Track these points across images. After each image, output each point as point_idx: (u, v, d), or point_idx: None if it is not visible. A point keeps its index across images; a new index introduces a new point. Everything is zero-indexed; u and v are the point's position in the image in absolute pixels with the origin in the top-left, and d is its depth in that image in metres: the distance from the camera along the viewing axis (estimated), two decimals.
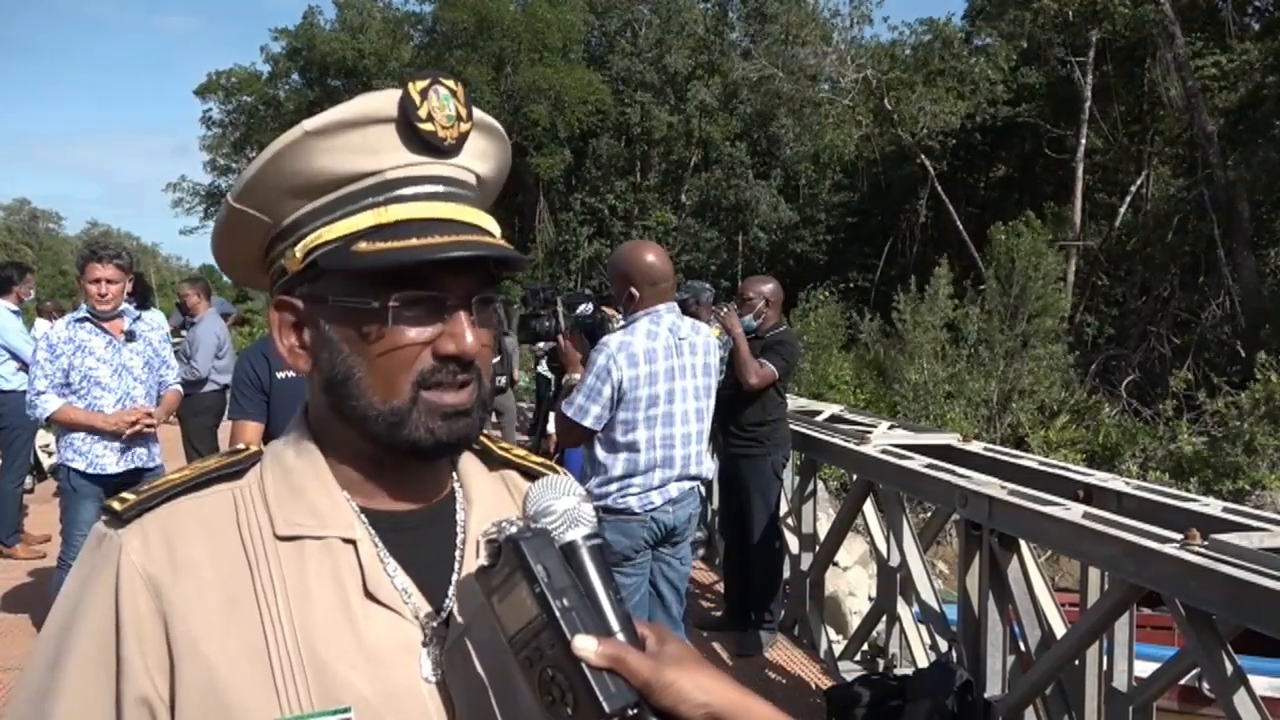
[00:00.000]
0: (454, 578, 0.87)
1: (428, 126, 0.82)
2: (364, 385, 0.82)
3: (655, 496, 3.19)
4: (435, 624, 0.84)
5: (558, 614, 0.71)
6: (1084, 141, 20.78)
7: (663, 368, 3.15)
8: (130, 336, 4.28)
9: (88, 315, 4.20)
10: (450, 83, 0.84)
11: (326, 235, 0.82)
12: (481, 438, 0.98)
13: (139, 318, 4.42)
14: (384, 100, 0.82)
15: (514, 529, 0.75)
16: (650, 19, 28.21)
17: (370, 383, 0.82)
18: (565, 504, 0.78)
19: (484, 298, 0.84)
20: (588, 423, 3.13)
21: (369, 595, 0.82)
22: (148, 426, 4.24)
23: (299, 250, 0.83)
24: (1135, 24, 20.03)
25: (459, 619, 0.85)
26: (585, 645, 0.71)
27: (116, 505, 0.82)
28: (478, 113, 0.87)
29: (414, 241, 0.79)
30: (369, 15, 30.80)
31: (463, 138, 0.85)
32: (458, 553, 0.89)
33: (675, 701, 0.71)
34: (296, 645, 0.78)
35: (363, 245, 0.80)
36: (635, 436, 3.14)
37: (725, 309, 4.78)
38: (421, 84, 0.82)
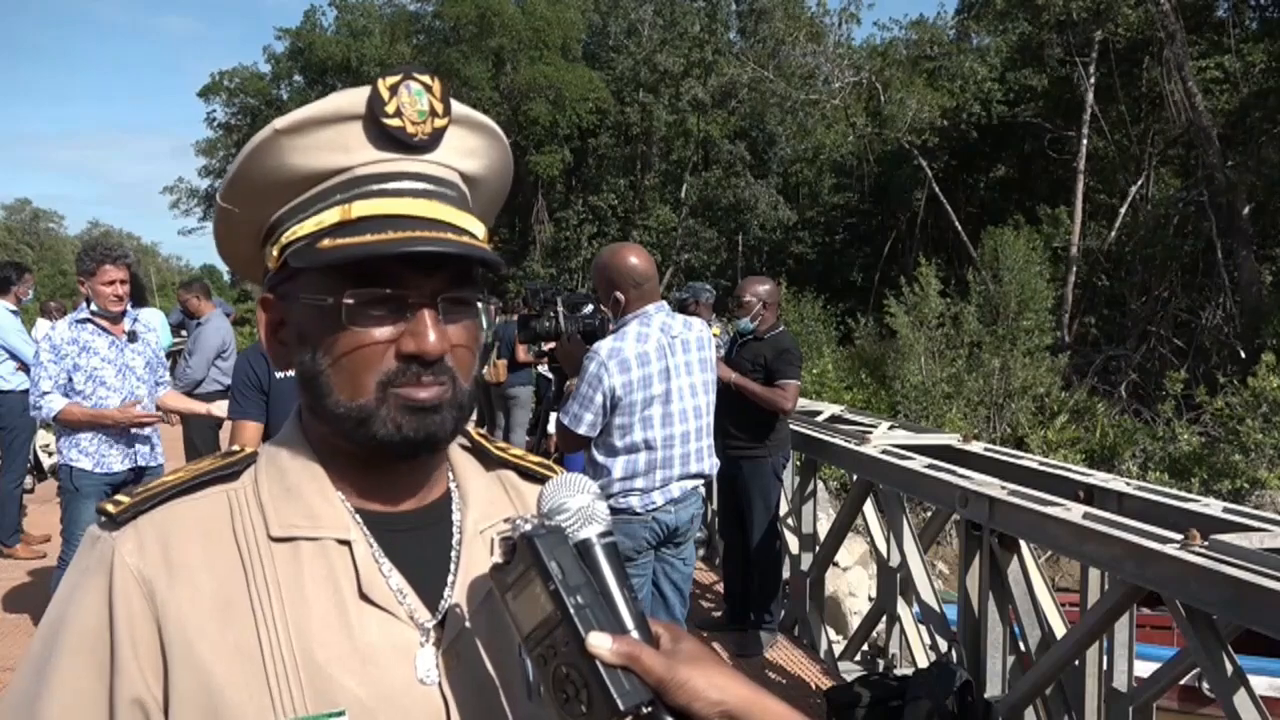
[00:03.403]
0: (450, 578, 0.86)
1: (395, 122, 0.81)
2: (330, 384, 0.81)
3: (657, 496, 3.18)
4: (431, 625, 0.83)
5: (572, 611, 0.71)
6: (1085, 142, 20.77)
7: (656, 370, 3.14)
8: (132, 337, 4.29)
9: (90, 316, 4.20)
10: (425, 77, 0.82)
11: (299, 232, 0.81)
12: (477, 437, 0.98)
13: (136, 318, 4.42)
14: (354, 97, 0.81)
15: (528, 526, 0.75)
16: (654, 20, 28.22)
17: (336, 381, 0.81)
18: (579, 501, 0.78)
19: (454, 297, 0.82)
20: (582, 430, 3.13)
21: (364, 597, 0.81)
22: (154, 420, 4.27)
23: (275, 248, 0.83)
24: (1138, 24, 20.03)
25: (460, 618, 0.84)
26: (599, 643, 0.71)
27: (111, 508, 0.82)
28: (461, 108, 0.85)
29: (368, 238, 0.78)
30: (373, 16, 30.80)
31: (438, 134, 0.83)
32: (454, 553, 0.88)
33: (690, 699, 0.71)
34: (291, 648, 0.78)
35: (325, 242, 0.79)
36: (633, 439, 3.13)
37: (719, 348, 4.66)
38: (393, 80, 0.81)
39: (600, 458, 3.18)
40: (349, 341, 0.80)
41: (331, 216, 0.80)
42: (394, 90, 0.81)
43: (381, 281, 0.79)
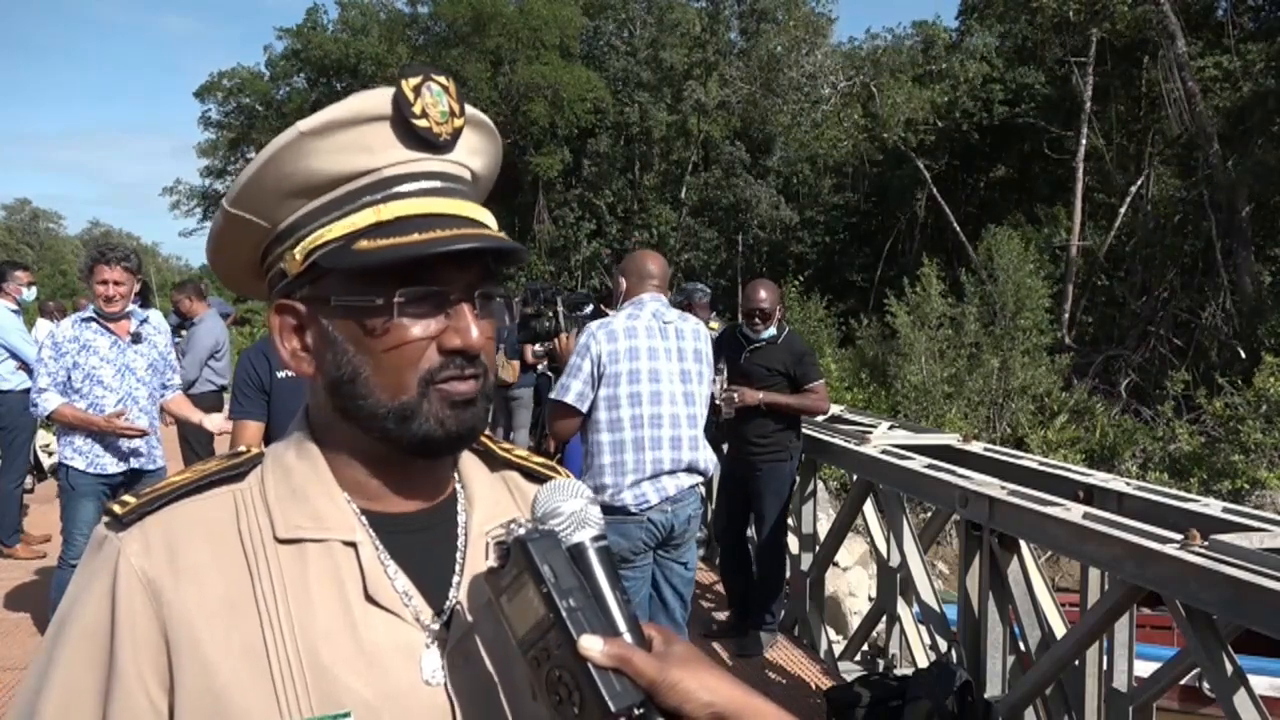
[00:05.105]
0: (455, 579, 0.87)
1: (423, 123, 0.81)
2: (371, 383, 0.82)
3: (650, 493, 3.17)
4: (436, 626, 0.84)
5: (564, 614, 0.72)
6: (1084, 142, 20.77)
7: (644, 345, 3.18)
8: (136, 338, 4.30)
9: (94, 315, 4.22)
10: (442, 78, 0.83)
11: (327, 235, 0.81)
12: (483, 438, 0.98)
13: (145, 319, 4.43)
14: (378, 98, 0.81)
15: (522, 530, 0.76)
16: (644, 18, 28.21)
17: (378, 381, 0.81)
18: (573, 506, 0.78)
19: (485, 292, 0.84)
20: (569, 399, 3.15)
21: (369, 598, 0.82)
22: (136, 433, 4.24)
23: (299, 252, 0.83)
24: (1135, 24, 20.04)
25: (465, 619, 0.85)
26: (591, 645, 0.71)
27: (117, 508, 0.82)
28: (469, 108, 0.87)
29: (415, 237, 0.78)
30: (371, 17, 30.80)
31: (456, 133, 0.84)
32: (459, 554, 0.88)
33: (681, 701, 0.71)
34: (297, 649, 0.78)
35: (363, 243, 0.79)
36: (620, 414, 3.15)
37: (733, 395, 4.50)
38: (414, 80, 0.82)
39: (590, 436, 3.21)
40: (394, 339, 0.81)
41: (365, 218, 0.80)
42: (417, 91, 0.81)
43: (426, 279, 0.80)
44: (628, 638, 0.74)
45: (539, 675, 0.74)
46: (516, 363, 7.41)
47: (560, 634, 0.72)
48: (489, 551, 0.78)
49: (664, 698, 0.71)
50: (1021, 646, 3.54)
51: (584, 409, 3.18)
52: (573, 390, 3.15)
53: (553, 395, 3.21)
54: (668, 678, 0.72)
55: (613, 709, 0.70)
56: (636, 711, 0.71)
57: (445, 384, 0.82)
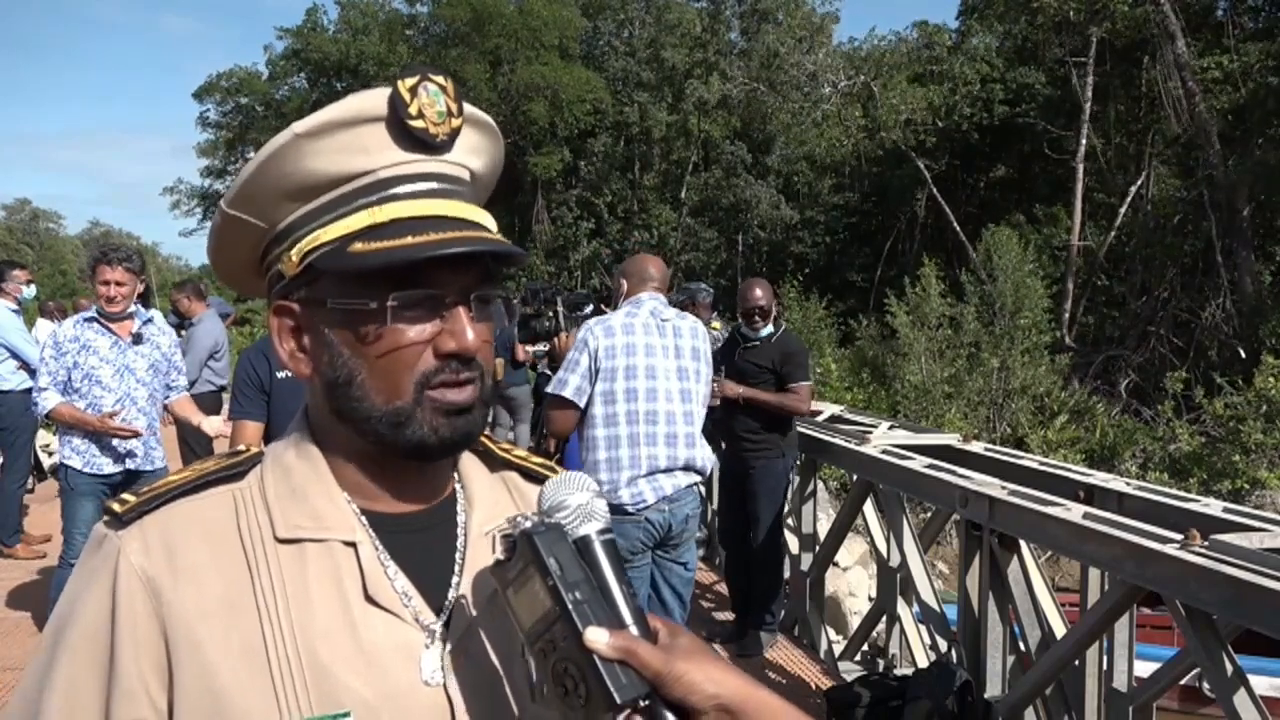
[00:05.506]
0: (454, 579, 0.87)
1: (419, 124, 0.81)
2: (366, 387, 0.81)
3: (647, 492, 3.17)
4: (436, 627, 0.84)
5: (570, 606, 0.72)
6: (1084, 142, 20.77)
7: (641, 341, 3.19)
8: (138, 339, 4.30)
9: (96, 315, 4.24)
10: (439, 78, 0.83)
11: (323, 237, 0.81)
12: (482, 438, 0.98)
13: (150, 320, 4.43)
14: (374, 99, 0.81)
15: (528, 523, 0.76)
16: (644, 18, 28.23)
17: (373, 384, 0.81)
18: (579, 499, 0.79)
19: (482, 295, 0.84)
20: (567, 393, 3.17)
21: (369, 598, 0.82)
22: (129, 434, 4.24)
23: (295, 254, 0.82)
24: (1135, 23, 20.05)
25: (465, 619, 0.85)
26: (597, 637, 0.71)
27: (117, 507, 0.82)
28: (468, 108, 0.86)
29: (409, 240, 0.78)
30: (372, 17, 30.81)
31: (454, 134, 0.84)
32: (458, 554, 0.88)
33: (686, 693, 0.72)
34: (296, 649, 0.78)
35: (358, 245, 0.79)
36: (615, 409, 3.16)
37: (718, 382, 4.45)
38: (411, 81, 0.81)
39: (586, 431, 3.22)
40: (388, 343, 0.80)
41: (360, 220, 0.80)
42: (414, 92, 0.81)
43: (420, 282, 0.80)
44: (633, 630, 0.74)
45: (545, 667, 0.74)
46: (501, 360, 7.45)
47: (566, 626, 0.72)
48: (495, 545, 0.78)
49: (669, 689, 0.72)
50: (1021, 646, 3.54)
51: (581, 403, 3.19)
52: (570, 384, 3.17)
53: (550, 389, 3.23)
54: (673, 669, 0.72)
55: (618, 700, 0.70)
56: (642, 703, 0.72)
57: (439, 390, 0.81)
